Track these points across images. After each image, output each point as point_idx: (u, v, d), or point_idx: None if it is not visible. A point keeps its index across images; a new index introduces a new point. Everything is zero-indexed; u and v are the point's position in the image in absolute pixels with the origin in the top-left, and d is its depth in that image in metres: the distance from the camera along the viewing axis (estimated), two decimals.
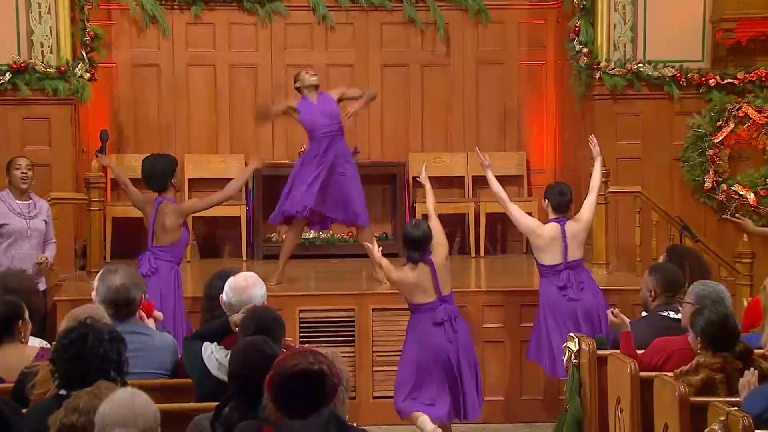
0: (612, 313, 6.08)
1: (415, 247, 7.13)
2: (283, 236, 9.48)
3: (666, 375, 5.27)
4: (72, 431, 3.58)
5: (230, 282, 5.14)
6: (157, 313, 5.77)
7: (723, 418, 4.53)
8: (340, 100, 8.87)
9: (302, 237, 10.60)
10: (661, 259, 7.10)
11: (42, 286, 7.92)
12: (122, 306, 5.13)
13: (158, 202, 7.63)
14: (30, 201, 8.03)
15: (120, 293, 5.12)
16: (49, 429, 3.65)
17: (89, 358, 3.99)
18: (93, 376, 3.93)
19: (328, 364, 3.51)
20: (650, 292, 6.27)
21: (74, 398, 3.68)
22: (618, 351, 5.88)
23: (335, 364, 3.63)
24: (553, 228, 7.62)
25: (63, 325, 4.71)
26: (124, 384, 4.01)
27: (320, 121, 8.73)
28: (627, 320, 6.00)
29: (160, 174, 7.64)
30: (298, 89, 8.92)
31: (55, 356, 4.10)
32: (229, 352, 4.44)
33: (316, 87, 8.85)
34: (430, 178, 7.80)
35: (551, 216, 7.70)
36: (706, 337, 5.21)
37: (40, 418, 3.86)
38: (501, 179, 8.03)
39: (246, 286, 5.11)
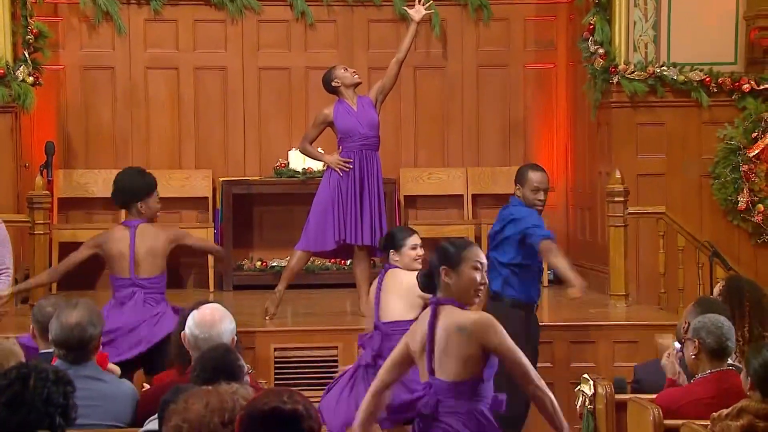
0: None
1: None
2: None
3: (695, 423, 5.26)
4: None
5: (194, 316, 5.12)
6: (114, 367, 5.74)
7: None
8: (375, 102, 8.89)
9: (273, 264, 10.59)
10: (716, 291, 6.79)
11: None
12: (75, 349, 5.09)
13: (134, 226, 7.42)
14: None
15: (74, 333, 5.07)
16: None
17: (31, 402, 3.96)
18: (35, 423, 3.90)
19: (305, 405, 3.45)
20: (686, 324, 6.19)
21: None
22: (640, 396, 5.88)
23: (314, 408, 3.60)
24: None
25: None
26: None
27: (360, 132, 8.74)
28: (678, 368, 5.91)
29: (129, 189, 7.45)
30: (334, 90, 8.87)
31: None
32: None
33: (356, 86, 8.85)
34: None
35: None
36: (758, 379, 5.17)
37: None
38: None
39: (213, 320, 5.08)
